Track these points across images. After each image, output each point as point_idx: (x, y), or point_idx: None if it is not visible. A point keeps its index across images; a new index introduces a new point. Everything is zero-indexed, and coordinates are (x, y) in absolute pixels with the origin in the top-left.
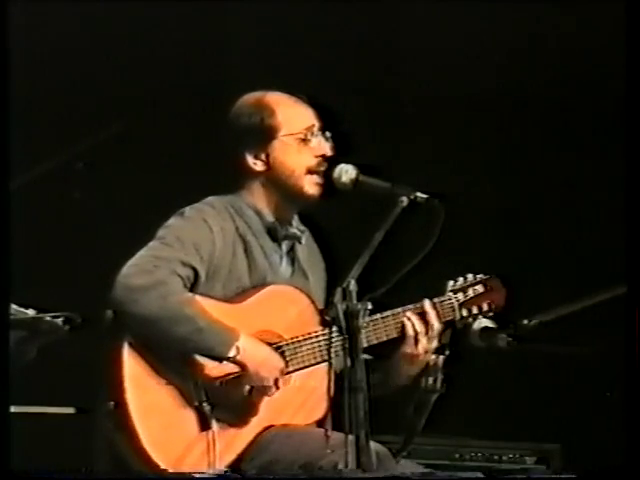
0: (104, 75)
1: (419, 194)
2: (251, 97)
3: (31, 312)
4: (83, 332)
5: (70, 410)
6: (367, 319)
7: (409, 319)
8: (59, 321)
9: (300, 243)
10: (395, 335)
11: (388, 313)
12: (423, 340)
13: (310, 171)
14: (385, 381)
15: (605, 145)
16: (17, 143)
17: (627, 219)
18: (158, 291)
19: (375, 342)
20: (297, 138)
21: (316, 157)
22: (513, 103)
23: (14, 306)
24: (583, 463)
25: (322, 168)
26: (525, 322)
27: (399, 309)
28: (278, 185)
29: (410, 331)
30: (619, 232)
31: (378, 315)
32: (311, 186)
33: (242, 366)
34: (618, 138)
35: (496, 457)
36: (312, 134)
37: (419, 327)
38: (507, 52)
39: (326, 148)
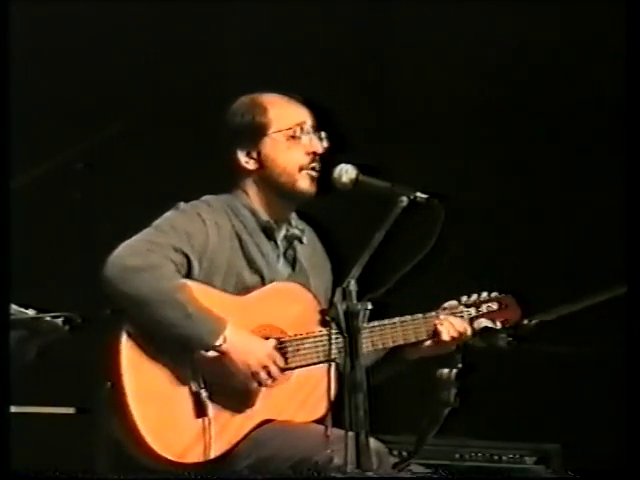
0: (104, 75)
1: (419, 194)
2: (247, 97)
3: (31, 312)
4: (83, 332)
5: (70, 410)
6: (396, 319)
7: (444, 323)
8: (59, 321)
9: (301, 242)
10: (425, 337)
11: (419, 316)
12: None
13: (302, 168)
14: (398, 357)
15: (605, 145)
16: (17, 143)
17: (627, 219)
18: (151, 274)
19: (402, 342)
20: (287, 135)
21: (307, 154)
22: (513, 103)
23: (14, 306)
24: (583, 463)
25: (314, 165)
26: (525, 322)
27: (432, 313)
28: (270, 183)
29: (445, 335)
30: (619, 232)
31: (408, 317)
32: (304, 182)
33: (228, 355)
34: (618, 139)
35: (496, 457)
36: (302, 130)
37: (455, 334)
38: (507, 52)
39: (317, 145)
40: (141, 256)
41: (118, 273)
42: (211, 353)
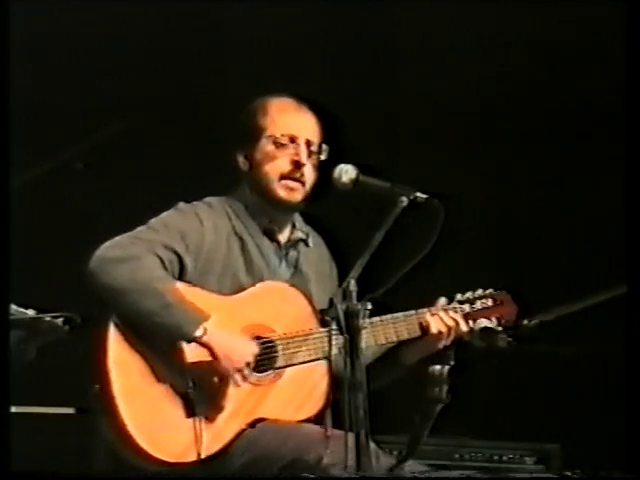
0: (104, 75)
1: (419, 194)
2: (259, 100)
3: (31, 312)
4: (83, 332)
5: (70, 410)
6: (388, 316)
7: (434, 317)
8: (59, 321)
9: (307, 245)
10: (418, 334)
11: (411, 312)
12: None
13: (283, 175)
14: (396, 362)
15: (605, 145)
16: (17, 143)
17: (627, 219)
18: (130, 265)
19: (395, 340)
20: (276, 142)
21: (291, 162)
22: (513, 103)
23: (14, 306)
24: (583, 463)
25: (296, 174)
26: (525, 322)
27: (424, 309)
28: (256, 187)
29: (433, 329)
30: (619, 232)
31: (400, 314)
32: (283, 191)
33: (209, 348)
34: (618, 139)
35: (496, 457)
36: (293, 141)
37: (443, 327)
38: (507, 53)
39: (302, 156)
40: (122, 248)
41: (99, 265)
42: (193, 346)
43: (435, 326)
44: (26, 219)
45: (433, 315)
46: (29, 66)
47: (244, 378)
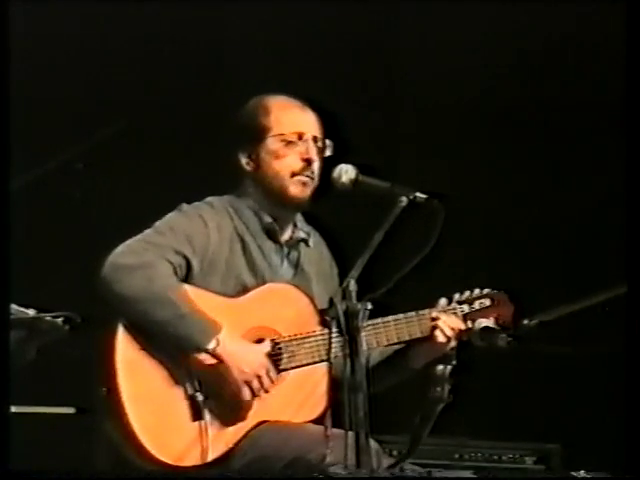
0: (104, 75)
1: (418, 194)
2: (257, 98)
3: (31, 312)
4: (83, 332)
5: (70, 410)
6: (390, 318)
7: (439, 319)
8: (59, 321)
9: (307, 245)
10: (419, 335)
11: (412, 314)
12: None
13: (294, 173)
14: (403, 365)
15: (605, 145)
16: (17, 143)
17: (627, 219)
18: (144, 272)
19: (396, 341)
20: (283, 140)
21: (302, 160)
22: (513, 104)
23: (14, 306)
24: (583, 463)
25: (307, 172)
26: (525, 322)
27: (425, 310)
28: (264, 186)
29: (441, 337)
30: (619, 232)
31: (401, 315)
32: (294, 188)
33: (221, 360)
34: (618, 138)
35: (496, 457)
36: (300, 138)
37: (448, 330)
38: (507, 53)
39: (312, 152)
40: (136, 255)
41: (111, 272)
42: (205, 356)
43: (442, 335)
44: (26, 219)
45: (438, 322)
46: (29, 66)
47: (253, 392)
